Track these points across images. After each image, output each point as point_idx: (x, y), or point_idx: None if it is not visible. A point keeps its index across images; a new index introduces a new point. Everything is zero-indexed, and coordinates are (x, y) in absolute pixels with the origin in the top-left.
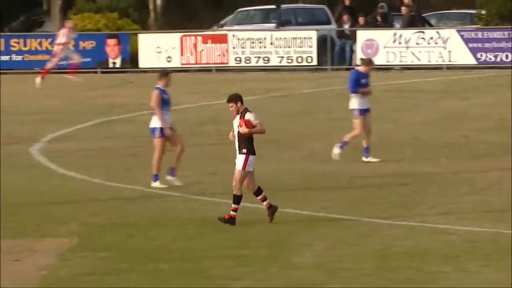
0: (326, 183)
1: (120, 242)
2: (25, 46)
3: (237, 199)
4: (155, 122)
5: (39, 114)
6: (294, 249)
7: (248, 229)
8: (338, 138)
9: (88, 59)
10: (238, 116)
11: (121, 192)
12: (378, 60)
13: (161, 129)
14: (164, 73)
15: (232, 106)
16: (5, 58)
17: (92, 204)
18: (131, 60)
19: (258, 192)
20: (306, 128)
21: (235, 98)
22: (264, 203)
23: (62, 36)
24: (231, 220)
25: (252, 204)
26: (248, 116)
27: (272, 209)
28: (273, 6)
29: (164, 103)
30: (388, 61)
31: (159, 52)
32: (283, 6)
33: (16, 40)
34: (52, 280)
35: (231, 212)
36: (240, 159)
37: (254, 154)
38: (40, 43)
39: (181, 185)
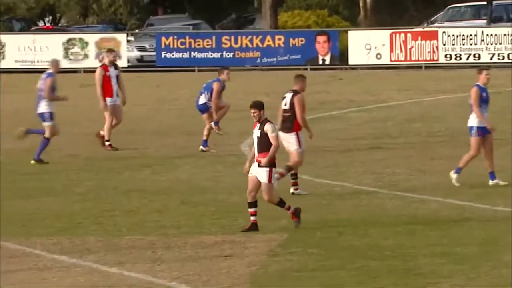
0: None
1: (329, 239)
2: (236, 43)
3: (281, 204)
4: (473, 121)
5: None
6: (506, 248)
7: (458, 226)
8: None
9: (298, 56)
10: (258, 125)
11: (330, 189)
12: None
13: (478, 128)
14: (481, 69)
15: (255, 113)
16: (216, 55)
17: (301, 200)
18: (340, 57)
19: (254, 204)
20: None
21: (260, 106)
22: (252, 218)
23: None
24: (254, 226)
25: (462, 202)
26: (267, 127)
27: (253, 227)
28: (484, 3)
29: (483, 101)
30: None
31: (369, 49)
32: (495, 2)
33: (227, 37)
34: (261, 276)
35: (252, 218)
36: (264, 172)
37: (275, 166)
38: (250, 40)
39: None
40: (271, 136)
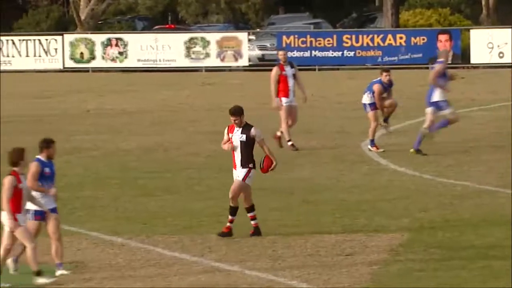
0: None
1: (451, 239)
2: (357, 42)
3: (233, 211)
4: None
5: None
6: None
7: None
8: None
9: (419, 55)
10: (240, 130)
11: (452, 188)
12: None
13: None
14: None
15: (236, 120)
16: (337, 54)
17: (422, 200)
18: (462, 55)
19: (251, 209)
20: None
21: (240, 112)
22: (253, 222)
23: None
24: (228, 233)
25: None
26: (254, 132)
27: (256, 232)
28: None
29: None
30: None
31: (491, 48)
32: None
33: (348, 36)
34: (382, 276)
35: (228, 224)
36: (242, 171)
37: (255, 168)
38: (371, 39)
39: None
40: (259, 140)
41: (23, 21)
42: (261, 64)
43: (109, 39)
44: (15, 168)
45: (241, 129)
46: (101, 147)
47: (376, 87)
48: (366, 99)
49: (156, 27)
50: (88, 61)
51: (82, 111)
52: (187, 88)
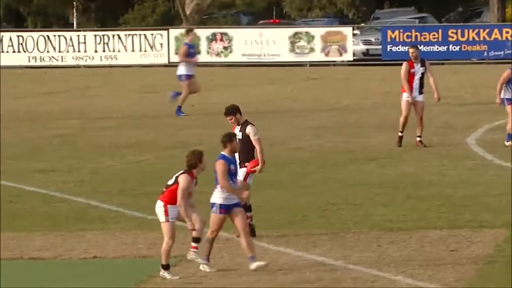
0: None
1: None
2: (462, 36)
3: (247, 208)
4: None
5: (476, 105)
6: None
7: None
8: None
9: None
10: (238, 128)
11: None
12: None
13: None
14: None
15: (231, 119)
16: (442, 48)
17: None
18: None
19: (247, 209)
20: None
21: (234, 111)
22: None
23: None
24: (250, 230)
25: None
26: (249, 129)
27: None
28: None
29: None
30: None
31: None
32: None
33: (453, 30)
34: (488, 272)
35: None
36: (241, 171)
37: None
38: (477, 34)
39: None
40: (253, 139)
41: (129, 16)
42: (366, 59)
43: (214, 34)
44: (193, 170)
45: (239, 127)
46: (206, 141)
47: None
48: (507, 93)
49: (261, 22)
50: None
51: (187, 106)
52: (291, 83)
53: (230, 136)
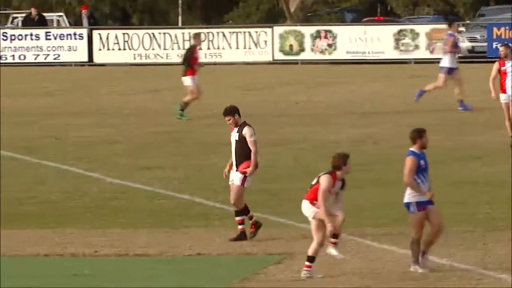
0: None
1: None
2: None
3: (244, 212)
4: None
5: None
6: None
7: None
8: None
9: None
10: (235, 129)
11: None
12: None
13: None
14: None
15: (229, 120)
16: None
17: None
18: None
19: (240, 213)
20: None
21: (233, 111)
22: (240, 226)
23: None
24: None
25: None
26: (245, 131)
27: (240, 237)
28: None
29: None
30: None
31: None
32: None
33: None
34: None
35: (251, 227)
36: (239, 175)
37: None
38: None
39: None
40: (249, 140)
41: (234, 13)
42: (471, 56)
43: (318, 31)
44: (336, 172)
45: (237, 128)
46: (310, 139)
47: None
48: None
49: (365, 19)
50: (297, 53)
51: (291, 103)
52: (396, 80)
53: (420, 132)
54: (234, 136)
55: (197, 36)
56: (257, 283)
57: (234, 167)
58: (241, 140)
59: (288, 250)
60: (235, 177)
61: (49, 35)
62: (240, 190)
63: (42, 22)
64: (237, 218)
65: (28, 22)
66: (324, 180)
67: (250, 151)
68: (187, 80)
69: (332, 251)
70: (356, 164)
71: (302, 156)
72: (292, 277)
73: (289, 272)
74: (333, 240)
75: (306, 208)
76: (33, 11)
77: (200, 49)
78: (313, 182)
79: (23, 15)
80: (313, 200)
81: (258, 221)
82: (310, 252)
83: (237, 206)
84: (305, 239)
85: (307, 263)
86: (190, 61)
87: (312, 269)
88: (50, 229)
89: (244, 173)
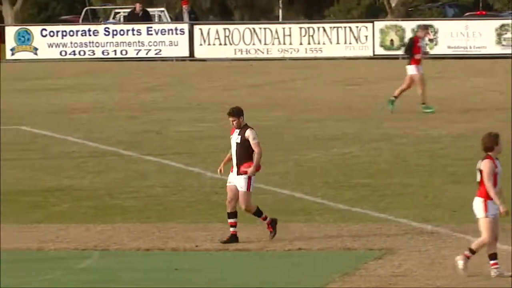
0: None
1: None
2: None
3: (258, 213)
4: None
5: None
6: None
7: None
8: None
9: None
10: (237, 131)
11: None
12: None
13: None
14: None
15: (234, 121)
16: None
17: None
18: None
19: (234, 215)
20: None
21: (238, 113)
22: (231, 229)
23: None
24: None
25: None
26: (248, 133)
27: (232, 239)
28: None
29: None
30: None
31: None
32: None
33: None
34: None
35: (268, 228)
36: (242, 180)
37: (254, 174)
38: None
39: None
40: (252, 143)
41: (335, 8)
42: None
43: (419, 26)
44: (489, 153)
45: (239, 130)
46: (411, 134)
47: None
48: None
49: (467, 13)
50: (398, 48)
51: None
52: (497, 75)
53: (497, 137)
54: (235, 138)
55: (424, 28)
56: (357, 278)
57: (234, 170)
58: (243, 142)
59: (389, 245)
60: (238, 182)
61: (151, 30)
62: (247, 196)
63: (146, 18)
64: (230, 221)
65: (132, 18)
66: (485, 165)
67: (252, 153)
68: (412, 69)
69: (460, 262)
70: (458, 159)
71: (402, 151)
72: (393, 273)
73: (389, 267)
74: (466, 253)
75: (477, 205)
76: (138, 6)
77: (425, 39)
78: (477, 179)
79: (126, 10)
80: (486, 197)
81: (272, 218)
82: (473, 245)
83: (249, 210)
84: (406, 234)
85: (492, 261)
86: (413, 51)
87: (499, 266)
88: (151, 223)
89: (245, 172)
